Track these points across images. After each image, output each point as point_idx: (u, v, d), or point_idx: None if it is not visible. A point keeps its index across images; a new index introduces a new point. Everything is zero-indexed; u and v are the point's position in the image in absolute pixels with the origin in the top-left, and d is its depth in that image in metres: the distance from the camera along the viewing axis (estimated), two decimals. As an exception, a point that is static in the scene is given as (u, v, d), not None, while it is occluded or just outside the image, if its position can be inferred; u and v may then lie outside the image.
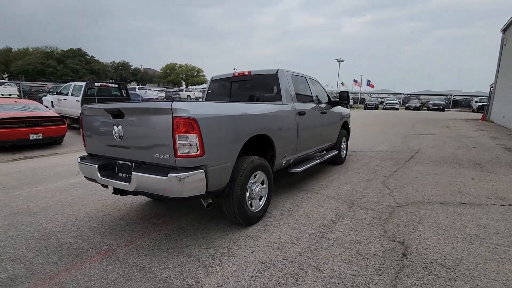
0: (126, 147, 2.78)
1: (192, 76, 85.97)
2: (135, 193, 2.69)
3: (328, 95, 5.70)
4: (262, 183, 3.45)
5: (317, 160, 4.91)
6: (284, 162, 3.98)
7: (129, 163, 2.78)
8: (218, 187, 2.78)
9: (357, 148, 8.35)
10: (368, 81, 57.47)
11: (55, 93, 12.84)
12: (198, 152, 2.45)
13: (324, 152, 5.62)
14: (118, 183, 2.75)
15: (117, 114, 2.75)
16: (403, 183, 4.81)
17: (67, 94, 11.27)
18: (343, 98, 5.59)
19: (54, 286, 2.24)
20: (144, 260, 2.59)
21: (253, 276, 2.33)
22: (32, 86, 25.63)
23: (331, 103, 5.59)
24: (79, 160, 3.27)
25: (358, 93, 59.83)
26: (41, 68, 47.90)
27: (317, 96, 5.13)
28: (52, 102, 12.22)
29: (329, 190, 4.52)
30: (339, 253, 2.68)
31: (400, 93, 51.47)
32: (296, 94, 4.38)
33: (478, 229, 3.11)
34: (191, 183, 2.43)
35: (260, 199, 3.43)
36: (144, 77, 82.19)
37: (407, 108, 35.13)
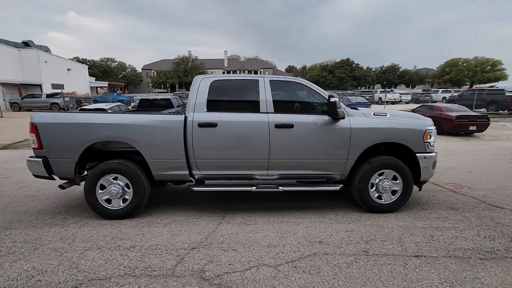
0: None
1: (483, 71, 67.41)
2: None
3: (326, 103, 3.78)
4: (128, 186, 3.75)
5: (252, 188, 3.76)
6: (173, 175, 3.79)
7: None
8: (65, 176, 3.74)
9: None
10: None
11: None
12: (37, 146, 3.62)
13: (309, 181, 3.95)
14: None
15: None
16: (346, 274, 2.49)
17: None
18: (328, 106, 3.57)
19: None
20: (33, 215, 4.17)
21: None
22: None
23: (332, 114, 3.71)
24: None
25: None
26: (317, 79, 59.94)
27: (277, 102, 3.81)
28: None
29: (230, 229, 3.47)
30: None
31: None
32: (215, 102, 3.80)
33: None
34: (33, 166, 3.68)
35: (123, 201, 3.76)
36: (414, 79, 76.50)
37: None
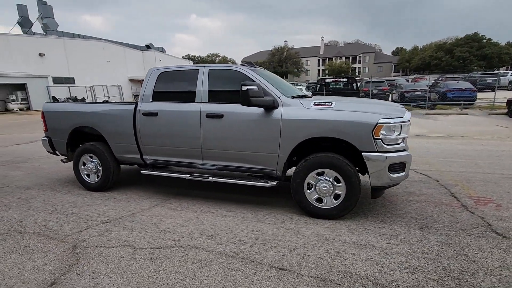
0: None
1: None
2: None
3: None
4: (99, 164, 4.49)
5: (187, 176, 3.87)
6: (129, 157, 4.30)
7: None
8: (62, 153, 4.77)
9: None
10: None
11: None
12: (44, 129, 4.74)
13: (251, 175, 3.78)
14: None
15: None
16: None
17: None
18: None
19: None
20: (53, 181, 5.41)
21: None
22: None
23: (244, 103, 3.34)
24: None
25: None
26: (428, 61, 50.73)
27: (213, 92, 3.75)
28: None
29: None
30: None
31: None
32: (158, 93, 4.06)
33: None
34: (44, 144, 4.84)
35: (97, 177, 4.53)
36: None
37: None
